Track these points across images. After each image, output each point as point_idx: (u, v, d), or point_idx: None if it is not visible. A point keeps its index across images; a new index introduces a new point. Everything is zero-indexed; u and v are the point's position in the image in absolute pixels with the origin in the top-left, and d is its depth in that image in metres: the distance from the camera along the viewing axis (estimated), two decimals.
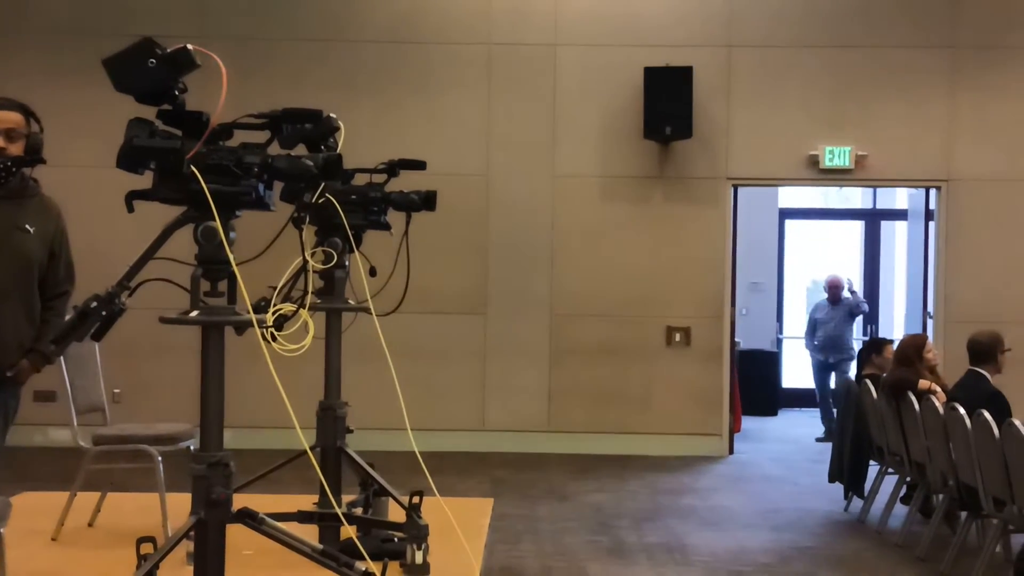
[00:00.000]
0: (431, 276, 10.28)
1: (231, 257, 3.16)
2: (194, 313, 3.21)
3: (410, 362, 10.25)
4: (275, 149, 3.36)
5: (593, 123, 10.36)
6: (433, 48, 10.41)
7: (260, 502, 4.90)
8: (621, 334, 10.36)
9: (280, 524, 3.50)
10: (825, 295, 12.44)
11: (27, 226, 4.50)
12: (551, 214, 10.41)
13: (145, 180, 3.25)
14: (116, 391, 10.43)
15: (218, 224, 3.11)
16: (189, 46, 3.16)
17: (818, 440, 11.47)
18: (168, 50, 3.15)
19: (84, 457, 5.58)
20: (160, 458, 5.09)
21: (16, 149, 4.41)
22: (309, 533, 4.64)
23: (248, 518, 3.27)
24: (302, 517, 4.60)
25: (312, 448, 4.69)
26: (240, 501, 4.78)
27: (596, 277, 10.36)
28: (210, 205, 3.09)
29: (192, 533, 3.21)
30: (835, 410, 10.70)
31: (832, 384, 11.97)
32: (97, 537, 5.67)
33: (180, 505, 4.02)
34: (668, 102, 9.97)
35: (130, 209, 3.22)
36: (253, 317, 3.16)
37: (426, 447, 10.12)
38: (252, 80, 9.84)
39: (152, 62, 3.11)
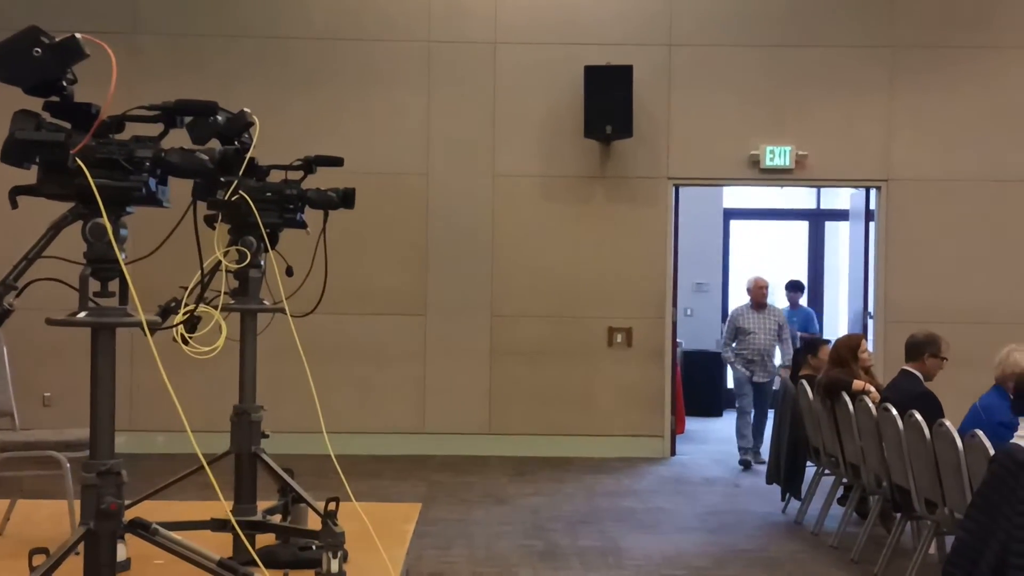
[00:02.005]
0: (370, 276, 10.18)
1: (120, 256, 3.02)
2: (82, 314, 3.06)
3: (348, 364, 10.14)
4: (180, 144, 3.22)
5: (534, 122, 10.27)
6: (372, 45, 10.28)
7: (173, 510, 4.76)
8: (562, 335, 10.27)
9: (181, 535, 3.36)
10: (748, 298, 10.49)
11: None
12: (491, 214, 10.31)
13: (33, 175, 3.11)
14: (47, 395, 10.24)
15: (106, 221, 2.97)
16: (77, 35, 3.02)
17: (741, 464, 9.92)
18: (56, 39, 3.00)
19: None
20: (69, 465, 4.92)
21: None
22: (224, 542, 4.49)
23: (141, 528, 3.13)
24: (215, 525, 4.46)
25: (227, 453, 4.54)
26: (152, 509, 4.64)
27: (537, 277, 10.27)
28: (97, 201, 2.95)
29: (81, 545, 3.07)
30: (749, 436, 10.01)
31: (751, 415, 10.15)
32: (5, 547, 5.46)
33: None
34: (608, 101, 9.90)
35: (14, 205, 3.07)
36: (143, 318, 3.01)
37: (365, 450, 10.17)
38: (186, 78, 9.66)
39: (38, 51, 2.96)
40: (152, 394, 8.98)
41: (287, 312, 4.40)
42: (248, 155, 4.42)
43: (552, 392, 10.25)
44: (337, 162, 4.56)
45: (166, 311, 4.33)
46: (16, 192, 3.05)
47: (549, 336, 10.27)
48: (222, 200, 4.33)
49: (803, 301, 12.63)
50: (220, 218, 4.36)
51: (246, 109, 4.38)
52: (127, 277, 3.03)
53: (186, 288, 4.29)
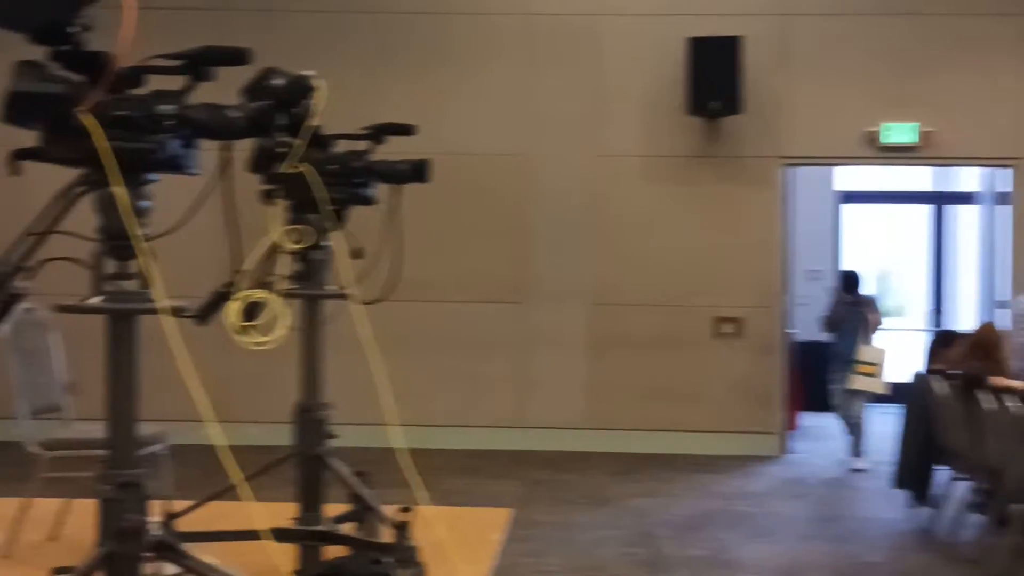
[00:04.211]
0: (467, 263, 9.72)
1: (138, 230, 2.56)
2: (95, 299, 2.61)
3: (445, 354, 9.71)
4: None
5: (637, 99, 9.68)
6: (469, 19, 9.79)
7: (234, 516, 4.33)
8: (667, 324, 9.67)
9: (240, 545, 2.91)
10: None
11: None
12: (594, 196, 9.75)
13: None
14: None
15: (118, 189, 2.51)
16: None
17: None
18: None
19: (36, 464, 5.04)
20: None
21: None
22: (287, 553, 4.06)
23: (168, 550, 2.67)
24: (278, 535, 4.01)
25: (288, 456, 4.09)
26: (210, 513, 4.21)
27: (641, 264, 9.69)
28: (108, 166, 2.49)
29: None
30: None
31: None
32: (58, 553, 5.11)
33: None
34: (714, 75, 9.26)
35: (14, 171, 2.63)
36: (164, 304, 2.54)
37: (462, 444, 9.72)
38: (272, 54, 9.26)
39: None
40: (245, 383, 8.69)
41: (353, 299, 3.92)
42: (310, 122, 3.97)
43: (656, 385, 9.66)
44: (407, 130, 4.07)
45: (220, 296, 3.90)
46: (18, 156, 2.60)
47: (654, 326, 9.69)
48: (281, 173, 3.87)
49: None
50: (280, 193, 3.91)
51: (309, 72, 3.92)
52: (145, 256, 2.56)
53: (241, 271, 3.85)
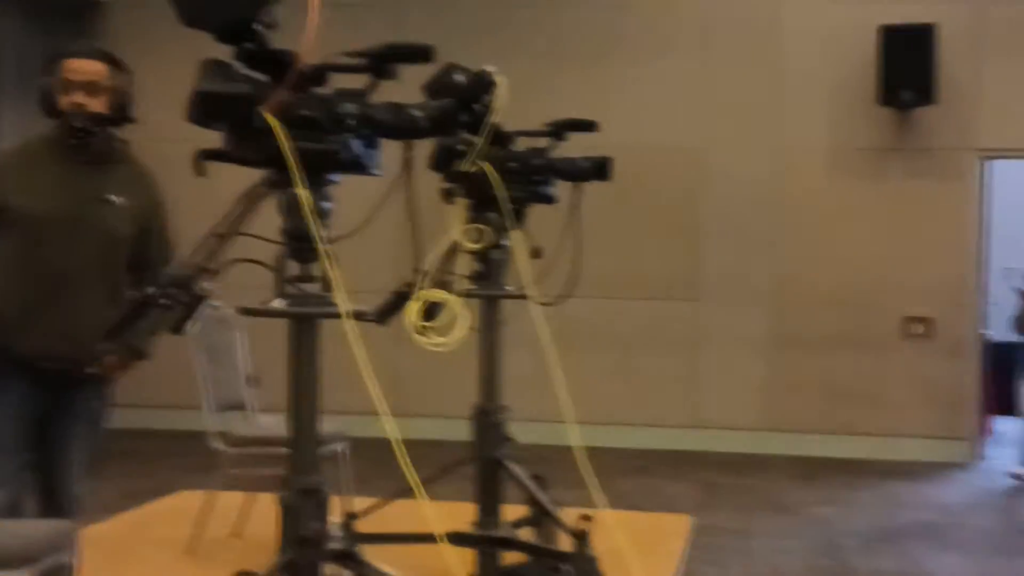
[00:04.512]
0: (639, 259, 9.53)
1: (318, 232, 2.50)
2: (278, 302, 2.56)
3: (616, 352, 9.56)
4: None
5: (821, 89, 9.32)
6: (643, 8, 9.60)
7: (409, 517, 4.27)
8: (851, 324, 9.29)
9: (416, 549, 2.83)
10: None
11: (111, 197, 3.89)
12: (773, 190, 9.44)
13: None
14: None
15: (301, 190, 2.45)
16: None
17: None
18: None
19: (220, 460, 5.09)
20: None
21: (98, 105, 3.77)
22: (463, 557, 3.98)
23: (348, 559, 2.61)
24: (455, 539, 3.94)
25: (465, 459, 4.01)
26: (386, 513, 4.16)
27: (823, 260, 9.33)
28: (291, 167, 2.43)
29: None
30: None
31: None
32: (241, 550, 5.16)
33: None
34: (907, 65, 8.85)
35: (200, 172, 2.60)
36: (342, 309, 2.48)
37: (633, 444, 9.55)
38: (444, 48, 9.24)
39: None
40: (419, 378, 8.72)
41: (532, 298, 3.81)
42: (491, 119, 3.88)
43: (838, 386, 9.30)
44: (589, 126, 3.93)
45: (400, 297, 3.85)
46: (204, 156, 2.57)
47: (836, 325, 9.33)
48: (462, 172, 3.79)
49: None
50: (460, 192, 3.83)
51: (489, 67, 3.83)
52: (325, 258, 2.50)
53: (423, 271, 3.80)
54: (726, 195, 9.47)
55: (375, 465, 4.27)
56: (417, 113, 2.52)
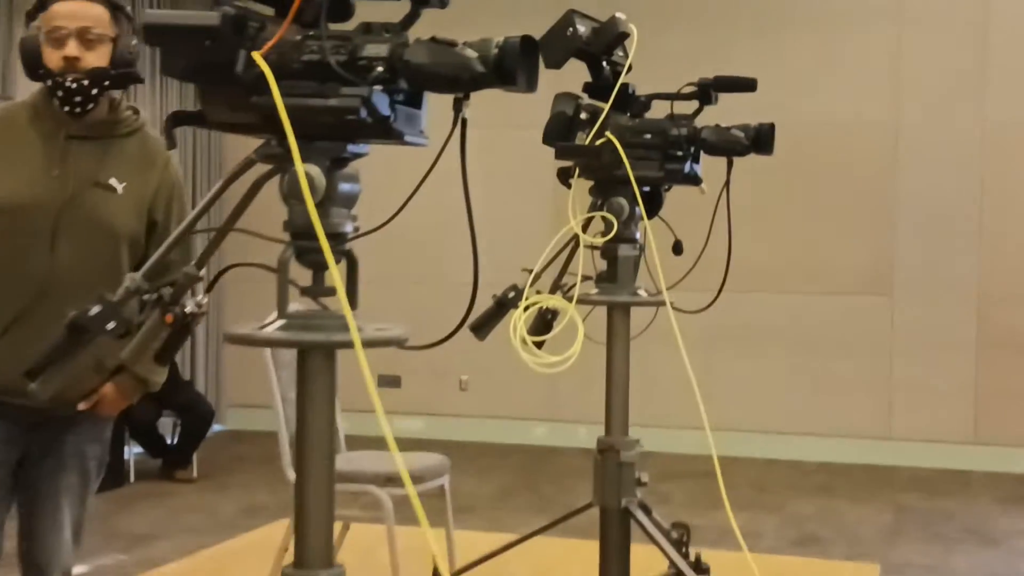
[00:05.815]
0: (817, 248, 8.57)
1: (319, 224, 1.73)
2: (272, 325, 1.81)
3: (795, 353, 8.64)
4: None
5: None
6: None
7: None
8: None
9: None
10: None
11: (111, 181, 2.97)
12: (978, 172, 8.33)
13: None
14: (463, 378, 9.43)
15: (299, 165, 1.70)
16: None
17: None
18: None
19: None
20: (391, 505, 3.76)
21: (96, 59, 2.91)
22: None
23: None
24: None
25: (586, 507, 3.23)
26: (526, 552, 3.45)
27: None
28: (288, 132, 1.69)
29: None
30: None
31: None
32: None
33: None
34: None
35: (171, 143, 1.89)
36: (355, 335, 1.71)
37: (816, 456, 8.61)
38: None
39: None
40: (574, 386, 7.98)
41: (671, 307, 3.00)
42: (620, 79, 3.10)
43: None
44: (747, 85, 3.08)
45: (502, 303, 3.12)
46: (175, 122, 1.86)
47: None
48: (581, 146, 3.02)
49: None
50: (577, 172, 3.05)
51: (619, 15, 3.05)
52: (332, 260, 1.73)
53: (530, 271, 3.07)
54: (921, 176, 8.41)
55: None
56: (470, 54, 1.74)
